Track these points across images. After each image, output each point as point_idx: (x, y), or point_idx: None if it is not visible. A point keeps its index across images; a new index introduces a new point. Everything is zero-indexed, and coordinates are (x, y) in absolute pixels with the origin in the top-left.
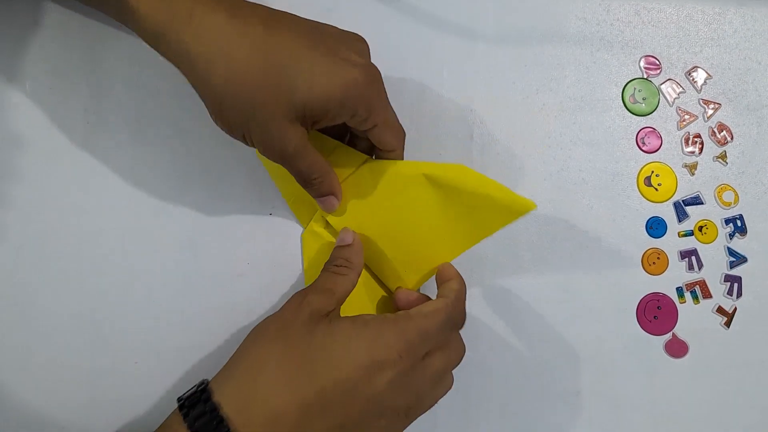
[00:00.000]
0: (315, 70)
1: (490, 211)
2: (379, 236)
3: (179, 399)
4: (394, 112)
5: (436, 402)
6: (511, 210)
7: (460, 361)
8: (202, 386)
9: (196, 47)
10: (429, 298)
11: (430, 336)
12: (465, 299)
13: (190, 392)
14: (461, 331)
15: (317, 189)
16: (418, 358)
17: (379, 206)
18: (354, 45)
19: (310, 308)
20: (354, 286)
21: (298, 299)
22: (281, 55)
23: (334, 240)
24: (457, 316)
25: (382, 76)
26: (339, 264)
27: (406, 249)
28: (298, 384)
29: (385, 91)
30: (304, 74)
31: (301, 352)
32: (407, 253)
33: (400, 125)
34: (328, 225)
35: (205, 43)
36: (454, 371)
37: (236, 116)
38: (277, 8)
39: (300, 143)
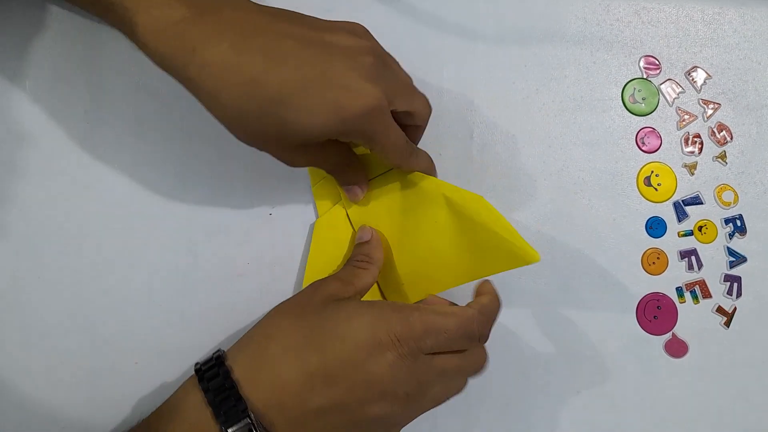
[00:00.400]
0: (307, 107)
1: (496, 250)
2: (391, 243)
3: (196, 364)
4: (399, 131)
5: (442, 400)
6: (515, 255)
7: (478, 371)
8: (218, 353)
9: (200, 81)
10: (452, 304)
11: (435, 333)
12: (493, 317)
13: (206, 358)
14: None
15: (339, 179)
16: (420, 350)
17: (398, 214)
18: (358, 64)
19: (326, 292)
20: (374, 280)
21: (316, 284)
22: (276, 90)
23: (350, 230)
24: (475, 329)
25: None
26: (360, 259)
27: (411, 264)
28: (305, 356)
29: (389, 114)
30: (296, 112)
31: (310, 326)
32: (411, 269)
33: (406, 144)
34: (348, 216)
35: (208, 77)
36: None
37: (246, 139)
38: (280, 8)
39: (309, 159)
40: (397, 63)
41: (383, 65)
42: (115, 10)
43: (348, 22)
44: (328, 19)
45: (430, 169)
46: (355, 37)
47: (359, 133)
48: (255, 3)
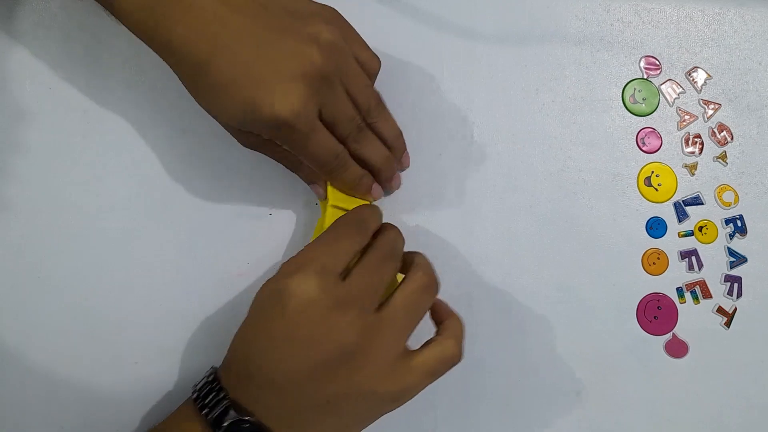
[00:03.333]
0: (225, 106)
1: None
2: None
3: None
4: (326, 143)
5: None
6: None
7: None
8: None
9: (164, 57)
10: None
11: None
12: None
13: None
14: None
15: (299, 175)
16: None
17: None
18: (297, 62)
19: None
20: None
21: None
22: (211, 80)
23: None
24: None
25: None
26: None
27: None
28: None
29: (311, 123)
30: (217, 106)
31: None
32: None
33: (330, 157)
34: None
35: (169, 55)
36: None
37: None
38: None
39: (257, 146)
40: (359, 48)
41: (331, 60)
42: None
43: (321, 6)
44: None
45: (357, 187)
46: (319, 24)
47: (273, 136)
48: None
